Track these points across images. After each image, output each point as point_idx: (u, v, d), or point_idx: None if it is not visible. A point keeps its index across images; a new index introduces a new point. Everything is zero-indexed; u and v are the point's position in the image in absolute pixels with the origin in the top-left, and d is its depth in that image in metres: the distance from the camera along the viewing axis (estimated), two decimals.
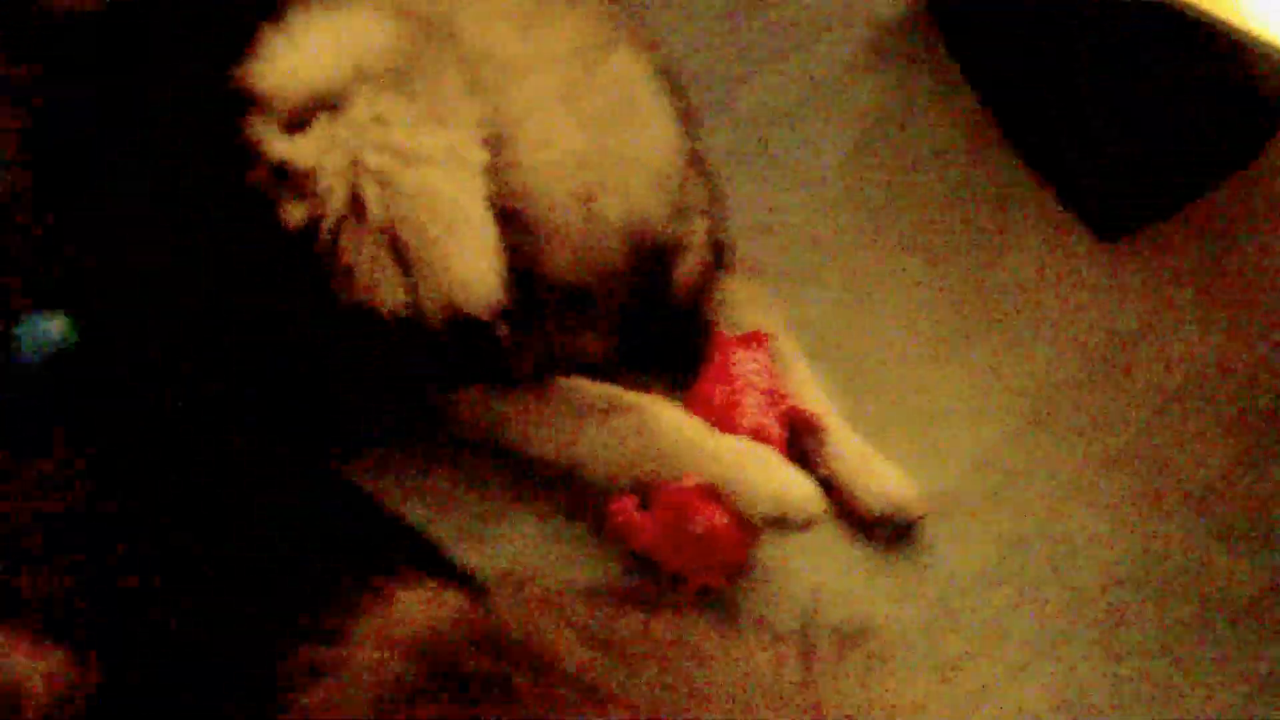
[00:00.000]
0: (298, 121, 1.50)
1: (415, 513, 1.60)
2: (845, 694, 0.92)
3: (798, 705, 0.90)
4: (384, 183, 1.50)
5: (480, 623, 1.01)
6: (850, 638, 0.96)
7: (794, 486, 1.53)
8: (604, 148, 1.62)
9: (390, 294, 1.51)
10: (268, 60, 1.52)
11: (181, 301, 1.68)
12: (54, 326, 1.96)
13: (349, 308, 1.52)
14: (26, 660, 1.19)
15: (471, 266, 1.53)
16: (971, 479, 1.71)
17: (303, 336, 1.58)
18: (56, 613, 1.24)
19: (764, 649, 0.94)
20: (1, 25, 2.06)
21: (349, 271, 1.50)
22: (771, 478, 1.53)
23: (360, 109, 1.50)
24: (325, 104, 1.50)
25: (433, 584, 1.08)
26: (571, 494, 1.63)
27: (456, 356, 1.60)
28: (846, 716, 0.91)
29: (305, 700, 1.02)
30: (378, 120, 1.50)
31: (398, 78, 1.53)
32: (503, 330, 1.59)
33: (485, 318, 1.54)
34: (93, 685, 1.20)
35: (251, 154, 1.51)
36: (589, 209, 1.61)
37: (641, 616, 0.98)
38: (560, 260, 1.61)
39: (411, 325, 1.52)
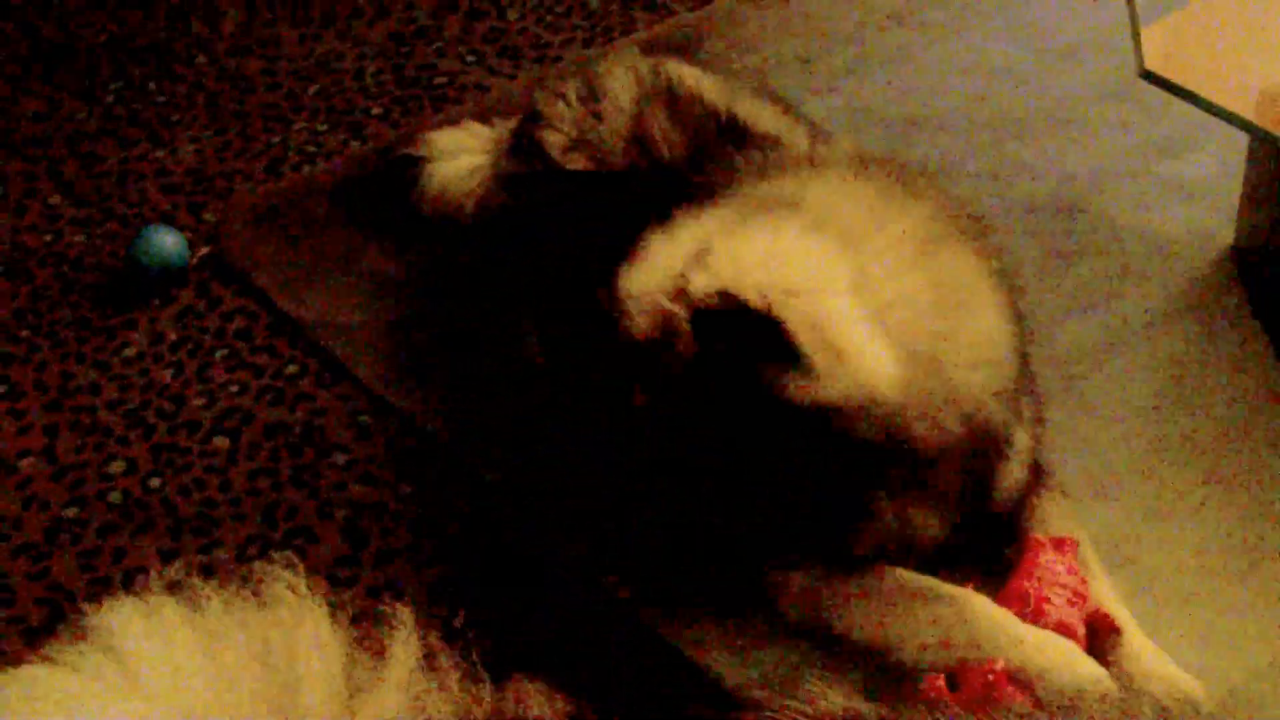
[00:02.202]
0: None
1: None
2: None
3: None
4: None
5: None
6: None
7: (1092, 679, 1.68)
8: (931, 327, 1.74)
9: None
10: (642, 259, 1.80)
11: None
12: (169, 240, 2.41)
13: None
14: (538, 703, 1.52)
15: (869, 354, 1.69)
16: (1258, 684, 1.78)
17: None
18: (563, 673, 1.61)
19: None
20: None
21: None
22: (1073, 669, 1.70)
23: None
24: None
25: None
26: (875, 674, 1.77)
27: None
28: None
29: None
30: None
31: None
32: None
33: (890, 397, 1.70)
34: None
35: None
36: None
37: None
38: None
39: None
